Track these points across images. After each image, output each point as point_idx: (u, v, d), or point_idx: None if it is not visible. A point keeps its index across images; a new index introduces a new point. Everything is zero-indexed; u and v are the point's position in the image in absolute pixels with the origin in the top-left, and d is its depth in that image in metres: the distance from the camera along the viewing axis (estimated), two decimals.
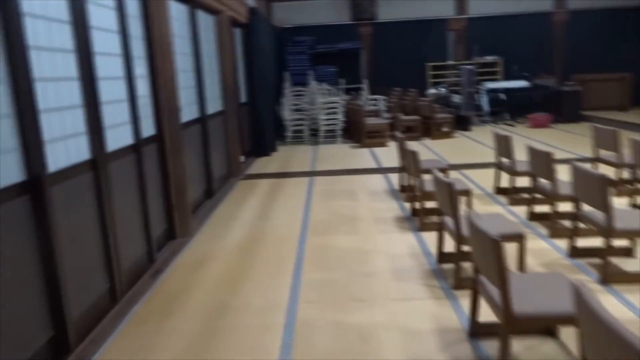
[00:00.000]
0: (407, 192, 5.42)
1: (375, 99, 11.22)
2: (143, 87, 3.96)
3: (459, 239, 3.24)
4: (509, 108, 11.67)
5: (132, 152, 3.60)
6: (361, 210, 5.22)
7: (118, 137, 3.39)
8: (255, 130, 8.65)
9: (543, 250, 3.89)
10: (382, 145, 9.19)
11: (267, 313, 3.11)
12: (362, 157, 8.30)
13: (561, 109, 11.18)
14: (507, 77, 12.23)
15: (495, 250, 2.19)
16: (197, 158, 5.41)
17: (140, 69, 3.92)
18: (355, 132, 9.78)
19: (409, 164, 4.74)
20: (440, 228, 3.68)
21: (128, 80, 3.59)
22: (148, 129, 3.99)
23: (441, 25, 12.49)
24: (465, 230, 3.21)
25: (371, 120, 9.39)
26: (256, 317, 3.07)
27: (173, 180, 4.36)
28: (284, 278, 3.61)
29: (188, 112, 5.14)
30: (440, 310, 3.05)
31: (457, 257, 3.31)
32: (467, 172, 6.67)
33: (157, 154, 4.18)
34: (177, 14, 4.97)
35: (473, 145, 8.82)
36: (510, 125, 11.11)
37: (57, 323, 2.52)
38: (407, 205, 5.25)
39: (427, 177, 4.53)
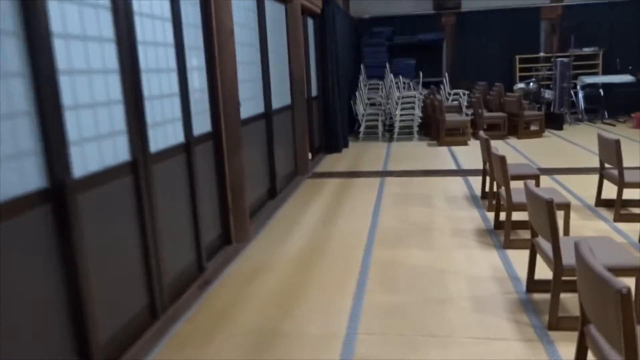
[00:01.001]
0: (491, 199, 4.78)
1: (456, 94, 10.46)
2: (198, 80, 3.64)
3: (559, 269, 2.63)
4: (609, 105, 10.50)
5: (182, 152, 3.28)
6: (437, 218, 4.66)
7: (165, 135, 3.07)
8: (327, 125, 8.24)
9: None
10: (463, 144, 8.48)
11: (322, 345, 2.67)
12: (440, 156, 7.66)
13: None
14: (608, 71, 11.02)
15: (619, 302, 1.61)
16: (259, 156, 5.08)
17: (196, 60, 3.60)
18: (433, 128, 9.12)
19: (495, 169, 4.12)
20: (532, 249, 3.07)
21: (180, 72, 3.27)
22: (202, 125, 3.67)
23: (533, 14, 11.45)
24: (567, 258, 2.61)
25: (451, 117, 8.70)
26: (308, 349, 2.64)
27: (229, 181, 4.03)
28: (345, 299, 3.16)
29: (251, 106, 4.81)
30: (532, 358, 2.47)
31: (554, 287, 2.70)
32: (560, 178, 5.88)
33: (213, 153, 3.86)
34: (242, 1, 4.62)
35: (566, 147, 7.90)
36: (610, 124, 9.97)
37: (81, 349, 2.22)
38: (490, 215, 4.62)
39: (515, 184, 3.90)
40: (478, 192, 5.46)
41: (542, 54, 11.49)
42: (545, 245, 2.80)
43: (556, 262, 2.63)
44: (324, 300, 3.17)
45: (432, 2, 11.76)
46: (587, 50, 11.13)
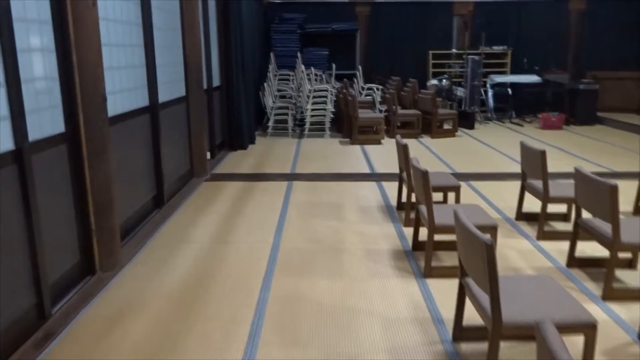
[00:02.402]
0: (408, 213, 4.28)
1: (370, 89, 10.03)
2: (41, 66, 2.75)
3: (498, 324, 2.10)
4: (516, 105, 10.57)
5: (8, 163, 2.41)
6: (348, 235, 4.07)
7: None
8: (230, 119, 7.44)
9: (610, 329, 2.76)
10: (376, 142, 8.03)
11: None
12: (352, 156, 7.13)
13: (575, 109, 10.07)
14: (516, 71, 11.08)
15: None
16: (141, 158, 4.22)
17: (37, 37, 2.71)
18: (346, 125, 8.61)
19: (415, 183, 3.59)
20: (461, 290, 2.54)
21: (5, 54, 2.38)
22: (48, 125, 2.79)
23: (446, 9, 11.26)
24: (507, 308, 2.09)
25: (365, 114, 8.21)
26: None
27: (92, 195, 3.18)
28: (232, 355, 2.46)
29: (130, 99, 3.94)
30: None
31: (492, 345, 2.18)
32: (477, 184, 5.53)
33: (67, 160, 2.99)
34: None
35: (479, 148, 7.68)
36: (518, 124, 10.00)
37: None
38: (408, 231, 4.11)
39: (435, 196, 3.40)
40: (393, 201, 4.96)
41: (454, 51, 11.35)
42: (480, 292, 2.26)
43: (495, 317, 2.09)
44: (205, 357, 2.45)
45: None
46: (496, 48, 11.12)
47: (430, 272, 3.30)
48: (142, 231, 4.08)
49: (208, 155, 5.97)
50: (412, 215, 4.25)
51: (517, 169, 5.02)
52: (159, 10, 4.64)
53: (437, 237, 3.39)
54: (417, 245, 3.74)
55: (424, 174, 3.17)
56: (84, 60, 3.02)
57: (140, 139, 4.20)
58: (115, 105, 3.65)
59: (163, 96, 4.69)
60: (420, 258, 3.56)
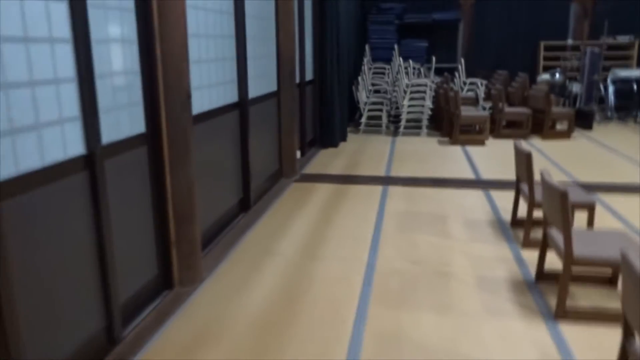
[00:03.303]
0: (527, 232, 3.63)
1: (473, 83, 9.23)
2: (121, 58, 2.46)
3: None
4: None
5: (79, 169, 2.12)
6: (455, 256, 3.51)
7: (41, 146, 1.91)
8: (323, 115, 7.05)
9: None
10: (480, 143, 7.30)
11: None
12: (453, 159, 6.48)
13: None
14: None
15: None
16: (228, 159, 3.91)
17: (115, 25, 2.41)
18: (445, 123, 7.93)
19: (547, 203, 2.96)
20: (622, 352, 1.93)
21: (78, 44, 2.09)
22: (127, 126, 2.50)
23: None
24: None
25: (467, 111, 7.49)
26: None
27: (173, 202, 2.87)
28: None
29: (217, 95, 3.63)
30: None
31: None
32: (606, 199, 4.71)
33: (146, 165, 2.70)
34: None
35: (601, 153, 6.72)
36: None
37: None
38: (528, 254, 3.48)
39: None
40: (505, 214, 4.31)
41: (570, 42, 10.23)
42: None
43: None
44: None
45: None
46: (621, 39, 9.87)
47: (564, 313, 2.67)
48: (226, 238, 3.77)
49: (298, 154, 5.61)
50: (532, 233, 3.62)
51: None
52: (255, 1, 4.31)
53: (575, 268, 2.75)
54: (543, 275, 3.11)
55: (563, 196, 2.55)
56: (168, 52, 2.70)
57: (228, 138, 3.89)
58: (202, 101, 3.35)
59: (253, 91, 4.36)
60: (548, 292, 2.94)
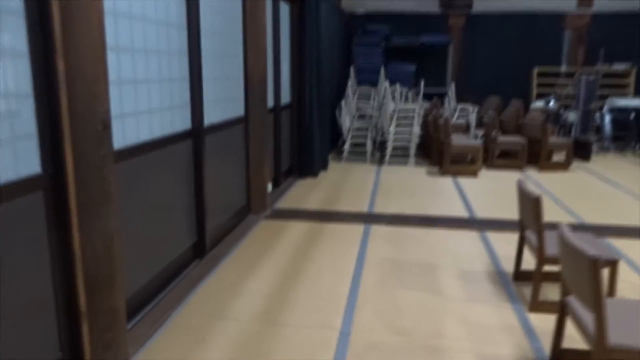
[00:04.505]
0: (536, 290, 2.99)
1: (463, 110, 8.70)
2: (13, 80, 1.81)
3: None
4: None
5: None
6: (449, 324, 2.86)
7: None
8: (301, 142, 6.43)
9: None
10: (472, 174, 6.71)
11: None
12: (444, 192, 5.87)
13: None
14: None
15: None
16: (175, 199, 3.25)
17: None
18: (434, 152, 7.35)
19: (570, 269, 2.33)
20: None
21: None
22: (11, 168, 1.85)
23: (556, 22, 9.71)
24: None
25: (459, 140, 6.92)
26: None
27: (82, 265, 2.20)
28: None
29: (158, 123, 2.98)
30: None
31: None
32: (619, 244, 4.11)
33: (41, 213, 2.03)
34: None
35: (603, 188, 6.16)
36: None
37: None
38: (537, 320, 2.85)
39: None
40: (506, 263, 3.69)
41: (564, 68, 9.78)
42: None
43: None
44: None
45: (438, 0, 9.98)
46: (617, 66, 9.43)
47: None
48: (170, 296, 3.08)
49: (269, 187, 4.96)
50: (538, 292, 2.99)
51: None
52: (213, 10, 3.70)
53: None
54: (561, 354, 2.46)
55: (594, 264, 1.91)
56: (76, 70, 2.06)
57: (176, 173, 3.23)
58: (139, 130, 2.71)
59: (212, 117, 3.73)
60: None
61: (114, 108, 2.45)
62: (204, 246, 3.65)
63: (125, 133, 2.59)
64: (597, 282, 1.92)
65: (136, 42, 2.67)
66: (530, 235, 3.17)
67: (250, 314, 2.94)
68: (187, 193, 3.40)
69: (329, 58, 7.04)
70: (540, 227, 2.91)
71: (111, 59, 2.42)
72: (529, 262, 3.38)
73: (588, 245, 2.03)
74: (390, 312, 2.98)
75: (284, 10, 5.88)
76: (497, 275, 3.53)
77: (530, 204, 2.97)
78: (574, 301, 2.29)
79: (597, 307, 1.94)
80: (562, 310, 2.42)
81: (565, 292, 2.40)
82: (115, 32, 2.47)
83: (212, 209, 3.75)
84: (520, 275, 3.41)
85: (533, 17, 9.70)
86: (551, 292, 3.20)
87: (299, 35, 6.23)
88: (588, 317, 2.08)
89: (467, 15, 9.90)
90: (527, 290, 3.23)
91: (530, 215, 3.03)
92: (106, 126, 2.19)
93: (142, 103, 2.75)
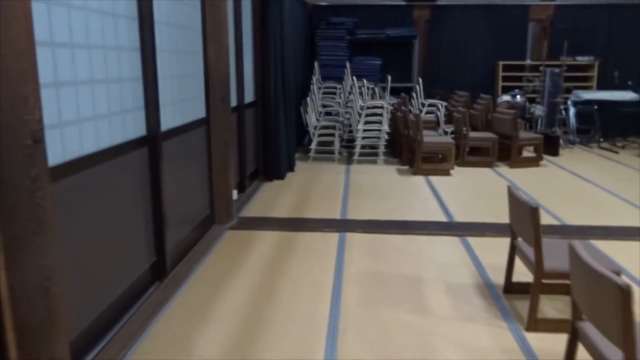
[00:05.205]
0: (533, 307, 2.74)
1: (432, 105, 8.49)
2: None
3: None
4: (603, 126, 8.84)
5: None
6: (442, 350, 2.56)
7: None
8: (267, 142, 6.05)
9: None
10: (444, 173, 6.49)
11: None
12: (418, 193, 5.62)
13: None
14: (604, 86, 9.36)
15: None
16: (128, 216, 2.84)
17: None
18: (404, 149, 7.11)
19: (583, 293, 2.06)
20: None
21: None
22: None
23: (520, 14, 9.63)
24: None
25: (430, 137, 6.69)
26: None
27: (12, 312, 1.79)
28: None
29: (106, 131, 2.57)
30: None
31: None
32: (605, 247, 3.93)
33: None
34: None
35: (577, 183, 6.05)
36: (610, 150, 8.26)
37: None
38: (536, 342, 2.59)
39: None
40: (493, 272, 3.45)
41: (529, 62, 9.72)
42: None
43: None
44: None
45: None
46: (581, 59, 9.43)
47: None
48: (124, 330, 2.68)
49: (235, 194, 4.58)
50: (536, 308, 2.75)
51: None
52: (172, 6, 3.28)
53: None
54: None
55: (626, 294, 1.64)
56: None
57: (129, 186, 2.82)
58: (82, 141, 2.29)
59: (170, 121, 3.32)
60: None
61: (50, 116, 2.04)
62: (164, 266, 3.25)
63: (66, 145, 2.17)
64: (629, 316, 1.66)
65: (76, 36, 2.25)
66: (524, 246, 2.92)
67: (219, 347, 2.57)
68: (143, 208, 2.99)
69: (294, 52, 6.68)
70: (538, 240, 2.65)
71: (44, 56, 2.01)
72: (519, 272, 3.15)
73: (588, 252, 1.78)
74: (377, 338, 2.67)
75: (246, 2, 5.48)
76: (486, 287, 3.28)
77: (526, 214, 2.71)
78: (589, 328, 2.03)
79: (628, 346, 1.68)
80: (573, 336, 2.17)
81: (577, 316, 2.14)
82: (49, 24, 2.05)
83: (173, 223, 3.35)
84: (511, 288, 3.17)
85: (498, 9, 9.58)
86: (547, 307, 2.97)
87: (261, 29, 5.83)
88: (614, 353, 1.82)
89: (432, 7, 9.71)
90: (520, 305, 2.99)
91: (525, 226, 2.77)
92: (38, 140, 1.78)
93: (85, 108, 2.34)
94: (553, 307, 2.99)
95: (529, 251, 2.79)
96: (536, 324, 2.72)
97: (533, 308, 2.73)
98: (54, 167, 2.03)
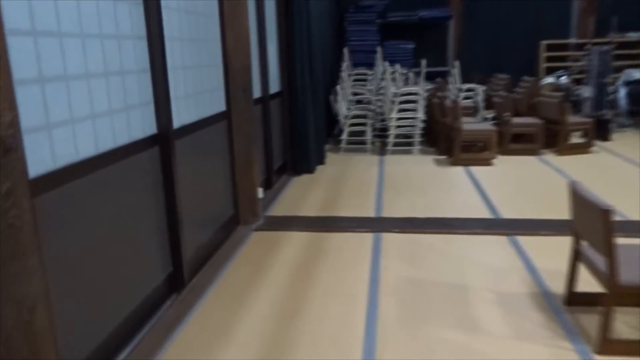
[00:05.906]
0: (605, 325, 2.33)
1: (470, 90, 7.99)
2: None
3: None
4: None
5: None
6: None
7: None
8: (295, 134, 5.73)
9: None
10: (485, 163, 6.04)
11: None
12: (458, 187, 5.20)
13: None
14: None
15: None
16: (139, 224, 2.55)
17: None
18: (441, 138, 6.67)
19: None
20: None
21: None
22: None
23: None
24: None
25: (469, 124, 6.23)
26: None
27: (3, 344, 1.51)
28: None
29: (109, 131, 2.28)
30: None
31: None
32: None
33: None
34: None
35: (633, 171, 5.51)
36: None
37: None
38: None
39: None
40: (550, 279, 3.04)
41: (573, 40, 9.08)
42: None
43: None
44: None
45: None
46: (632, 35, 8.74)
47: None
48: (138, 352, 2.40)
49: (260, 192, 4.26)
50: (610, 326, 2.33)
51: None
52: None
53: None
54: None
55: None
56: None
57: (137, 194, 2.53)
58: (75, 145, 2.00)
59: (185, 116, 3.02)
60: None
61: (32, 117, 1.74)
62: (181, 276, 2.96)
63: (56, 150, 1.88)
64: None
65: (65, 23, 1.95)
66: (591, 253, 2.51)
67: None
68: (156, 214, 2.70)
69: (321, 39, 6.31)
70: (612, 249, 2.24)
71: (23, 46, 1.71)
72: (582, 278, 2.74)
73: None
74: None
75: None
76: (543, 298, 2.88)
77: (596, 216, 2.29)
78: None
79: None
80: None
81: None
82: (29, 7, 1.75)
83: (191, 228, 3.06)
84: (574, 299, 2.76)
85: None
86: (618, 323, 2.55)
87: (286, 16, 5.48)
88: None
89: None
90: (586, 320, 2.58)
91: (593, 231, 2.36)
92: (9, 148, 1.48)
93: (80, 106, 2.04)
94: (625, 322, 2.57)
95: (599, 259, 2.38)
96: (609, 345, 2.32)
97: (605, 327, 2.32)
98: (38, 177, 1.74)
